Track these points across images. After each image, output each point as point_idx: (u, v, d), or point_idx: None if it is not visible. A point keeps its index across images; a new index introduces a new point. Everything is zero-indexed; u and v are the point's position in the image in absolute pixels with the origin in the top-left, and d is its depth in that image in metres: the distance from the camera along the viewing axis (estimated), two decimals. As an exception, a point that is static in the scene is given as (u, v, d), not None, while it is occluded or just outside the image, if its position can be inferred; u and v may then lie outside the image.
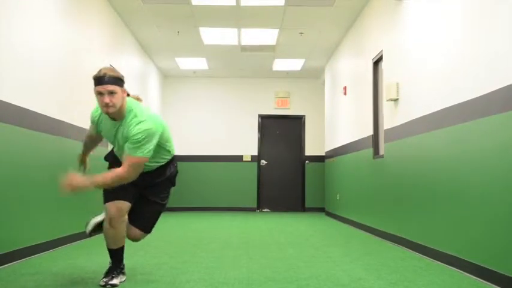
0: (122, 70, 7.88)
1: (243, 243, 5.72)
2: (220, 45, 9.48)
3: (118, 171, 3.11)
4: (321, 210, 11.57)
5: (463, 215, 3.98)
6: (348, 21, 8.04)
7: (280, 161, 12.26)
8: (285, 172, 12.22)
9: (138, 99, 3.31)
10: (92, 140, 3.57)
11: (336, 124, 9.52)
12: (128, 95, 3.24)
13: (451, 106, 4.22)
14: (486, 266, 3.58)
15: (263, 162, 12.17)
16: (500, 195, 3.41)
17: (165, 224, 8.34)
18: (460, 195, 4.05)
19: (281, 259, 4.46)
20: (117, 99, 3.09)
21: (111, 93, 3.07)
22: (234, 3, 7.23)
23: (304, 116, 12.28)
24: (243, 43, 9.29)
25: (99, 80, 3.09)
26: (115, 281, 3.26)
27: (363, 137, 7.31)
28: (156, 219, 3.50)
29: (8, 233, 4.15)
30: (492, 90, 3.54)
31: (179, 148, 11.99)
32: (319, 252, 5.00)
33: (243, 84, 12.29)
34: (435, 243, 4.53)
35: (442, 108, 4.42)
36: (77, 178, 3.03)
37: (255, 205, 12.00)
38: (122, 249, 3.35)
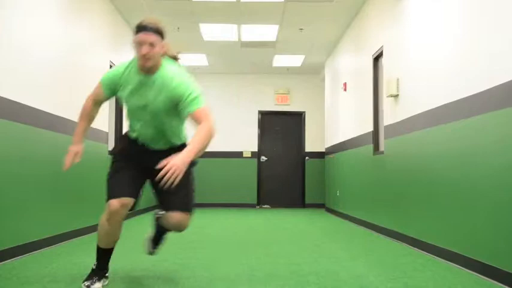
0: (122, 66, 7.87)
1: (243, 239, 5.72)
2: (220, 42, 9.47)
3: (205, 126, 2.79)
4: (321, 206, 11.57)
5: (463, 211, 3.97)
6: (348, 17, 8.03)
7: (280, 157, 12.26)
8: (285, 168, 12.22)
9: (175, 58, 3.06)
10: (95, 108, 3.14)
11: (336, 120, 9.52)
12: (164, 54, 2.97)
13: (451, 102, 4.22)
14: (487, 262, 3.58)
15: (263, 158, 12.17)
16: (500, 192, 3.41)
17: (165, 220, 8.34)
18: (460, 191, 4.04)
19: (281, 255, 4.46)
20: (155, 52, 2.87)
21: (152, 44, 2.86)
22: (234, -1, 7.22)
23: (304, 112, 12.28)
24: (243, 39, 9.27)
25: (140, 28, 2.87)
26: (97, 285, 3.03)
27: (363, 133, 7.30)
28: (192, 196, 3.12)
29: (7, 230, 4.15)
30: (492, 86, 3.53)
31: (179, 144, 11.99)
32: (319, 248, 5.00)
33: (243, 80, 12.27)
34: (435, 239, 4.53)
35: (442, 104, 4.42)
36: (178, 161, 2.62)
37: (255, 201, 12.01)
38: (111, 251, 3.12)
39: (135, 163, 3.10)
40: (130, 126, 3.16)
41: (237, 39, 9.29)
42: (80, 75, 5.94)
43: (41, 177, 4.80)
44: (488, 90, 3.60)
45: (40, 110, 4.76)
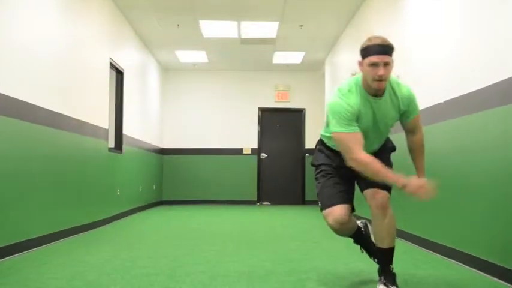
0: (122, 63, 7.87)
1: (243, 236, 5.72)
2: (220, 38, 9.46)
3: (421, 138, 3.08)
4: (321, 203, 11.56)
5: (463, 207, 3.98)
6: (348, 13, 8.01)
7: (281, 154, 12.26)
8: (285, 165, 12.22)
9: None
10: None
11: (336, 117, 9.49)
12: None
13: (451, 99, 4.22)
14: (485, 259, 3.58)
15: (263, 155, 12.17)
16: (499, 188, 3.41)
17: (165, 217, 8.35)
18: (459, 188, 4.04)
19: (281, 252, 4.47)
20: (389, 72, 2.73)
21: (386, 64, 2.71)
22: (233, -5, 7.20)
23: (305, 109, 12.27)
24: (243, 36, 9.26)
25: (376, 48, 2.71)
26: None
27: (363, 130, 7.29)
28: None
29: (8, 226, 4.15)
30: (492, 83, 3.53)
31: (179, 141, 12.00)
32: (319, 245, 5.01)
33: (243, 77, 12.26)
34: (435, 236, 4.53)
35: (442, 101, 4.41)
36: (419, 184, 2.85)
37: (255, 198, 12.01)
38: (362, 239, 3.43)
39: (341, 174, 3.14)
40: None
41: (237, 36, 9.27)
42: (79, 72, 5.93)
43: (40, 175, 4.79)
44: (488, 87, 3.59)
45: (40, 107, 4.76)
